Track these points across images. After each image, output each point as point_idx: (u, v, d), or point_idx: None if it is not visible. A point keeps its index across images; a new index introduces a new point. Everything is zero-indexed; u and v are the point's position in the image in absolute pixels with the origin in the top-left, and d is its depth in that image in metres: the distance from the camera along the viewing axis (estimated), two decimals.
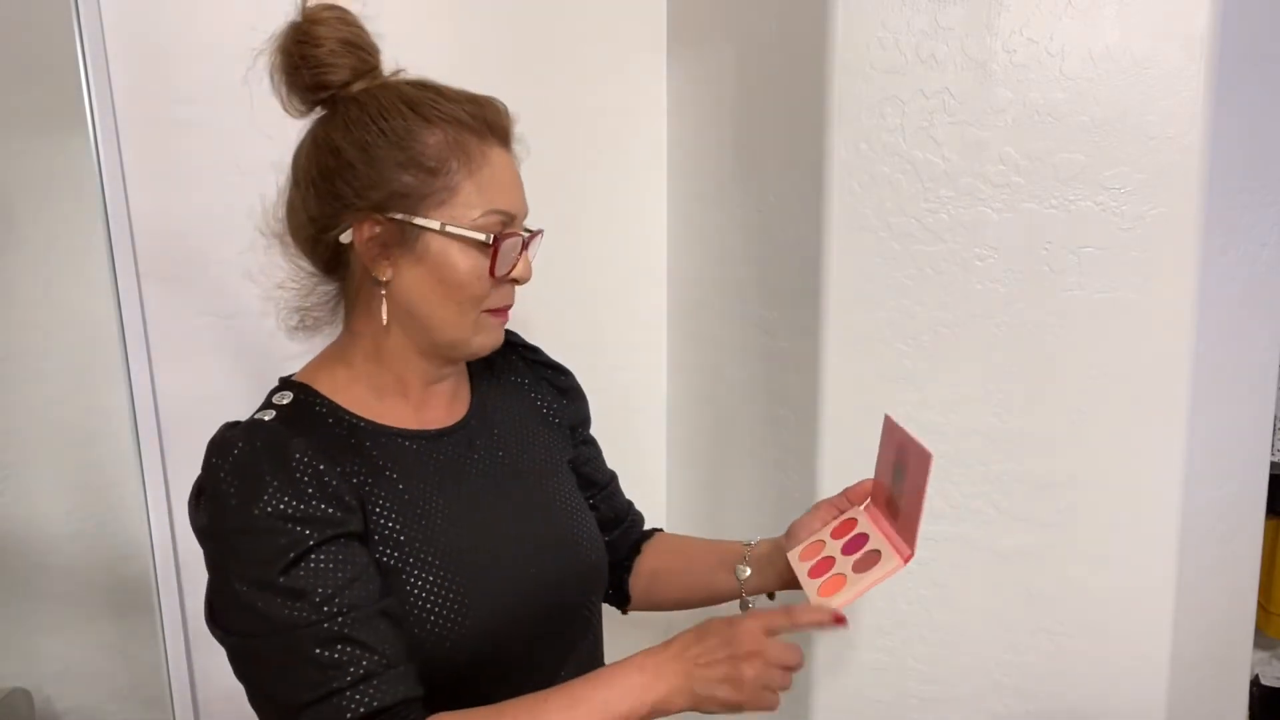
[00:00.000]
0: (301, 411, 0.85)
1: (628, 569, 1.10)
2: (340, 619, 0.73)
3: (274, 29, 0.84)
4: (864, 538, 0.88)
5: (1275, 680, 1.80)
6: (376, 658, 0.74)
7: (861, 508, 0.94)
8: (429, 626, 0.80)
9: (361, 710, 0.72)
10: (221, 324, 1.27)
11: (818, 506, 0.97)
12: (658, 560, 1.09)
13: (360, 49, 0.85)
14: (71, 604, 1.31)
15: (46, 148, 1.21)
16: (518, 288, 0.90)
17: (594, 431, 1.11)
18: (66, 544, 1.30)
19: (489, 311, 0.88)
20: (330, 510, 0.76)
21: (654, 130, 1.47)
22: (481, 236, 0.83)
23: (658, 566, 1.09)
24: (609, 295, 1.48)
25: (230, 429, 0.80)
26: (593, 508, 1.06)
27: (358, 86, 0.85)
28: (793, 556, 0.92)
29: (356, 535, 0.78)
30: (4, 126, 1.21)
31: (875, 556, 0.84)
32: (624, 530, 1.11)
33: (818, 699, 1.19)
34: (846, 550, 0.88)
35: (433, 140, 0.82)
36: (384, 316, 0.85)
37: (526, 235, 0.88)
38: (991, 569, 1.14)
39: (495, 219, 0.84)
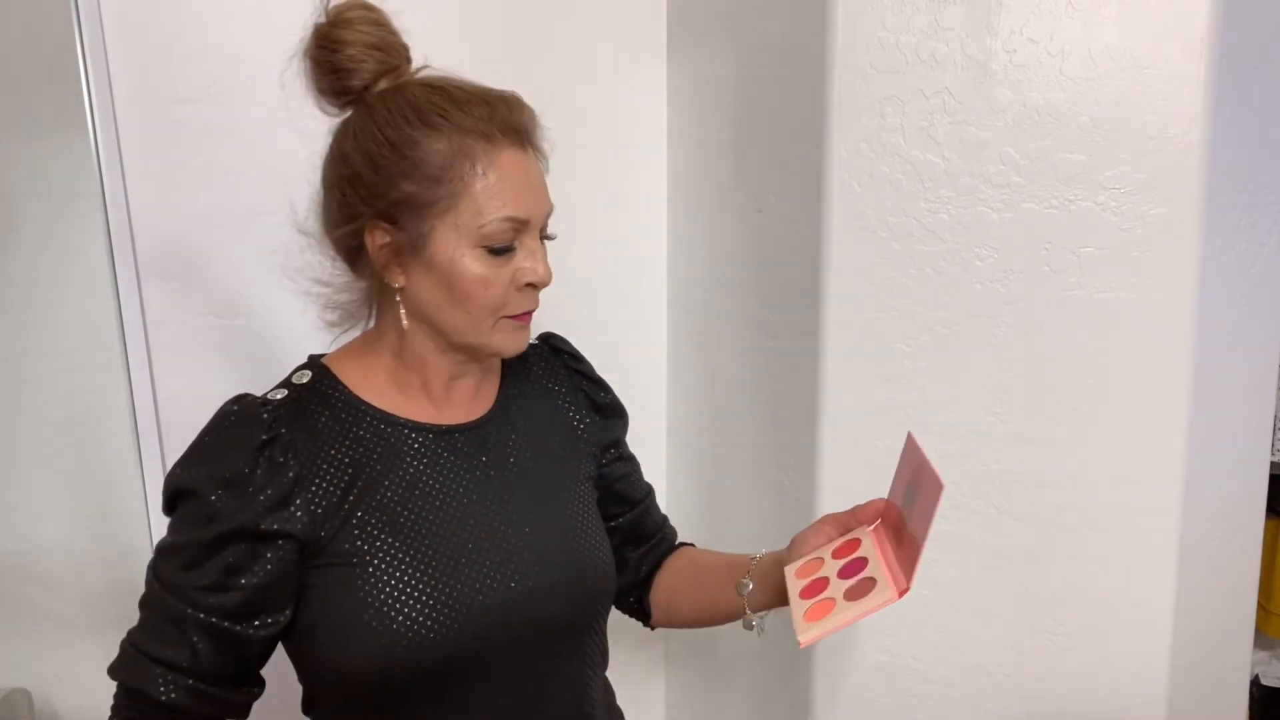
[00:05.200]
0: (314, 393, 0.86)
1: (649, 585, 1.07)
2: (191, 610, 0.79)
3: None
4: (863, 562, 0.83)
5: (1275, 680, 1.80)
6: (195, 664, 0.80)
7: (869, 529, 0.88)
8: (389, 622, 0.79)
9: (161, 695, 0.79)
10: (221, 324, 1.27)
11: (823, 521, 0.91)
12: (673, 576, 1.06)
13: (381, 49, 0.84)
14: (71, 604, 1.30)
15: (46, 148, 1.21)
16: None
17: None
18: (66, 544, 1.30)
19: (510, 316, 0.86)
20: (262, 506, 0.79)
21: (654, 130, 1.47)
22: (489, 245, 0.82)
23: (673, 583, 1.06)
24: (609, 295, 1.48)
25: (236, 401, 0.84)
26: (621, 526, 1.04)
27: (380, 86, 0.84)
28: (789, 571, 0.88)
29: (275, 536, 0.80)
30: (5, 127, 1.21)
31: (870, 585, 0.80)
32: (652, 546, 1.07)
33: (818, 699, 1.19)
34: (843, 574, 0.83)
35: (437, 147, 0.81)
36: (404, 320, 0.85)
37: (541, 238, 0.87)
38: (991, 569, 1.14)
39: (505, 226, 0.82)
